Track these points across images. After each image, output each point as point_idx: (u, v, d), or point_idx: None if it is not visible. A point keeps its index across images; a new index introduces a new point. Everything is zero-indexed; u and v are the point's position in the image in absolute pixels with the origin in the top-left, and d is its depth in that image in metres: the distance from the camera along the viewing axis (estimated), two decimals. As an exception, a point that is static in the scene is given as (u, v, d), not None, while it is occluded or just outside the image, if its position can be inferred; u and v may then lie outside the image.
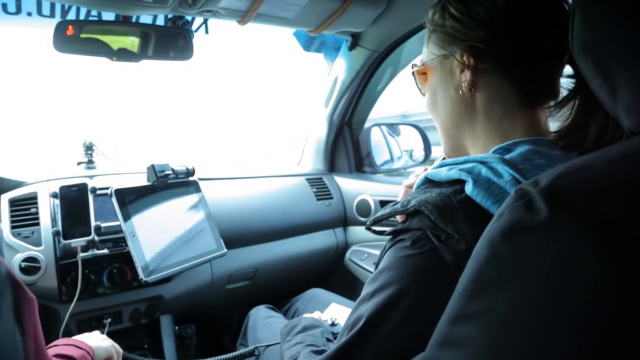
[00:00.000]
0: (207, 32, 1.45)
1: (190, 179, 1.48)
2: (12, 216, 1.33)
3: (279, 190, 1.84)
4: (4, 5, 1.19)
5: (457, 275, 0.43)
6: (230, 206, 1.66)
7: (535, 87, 0.71)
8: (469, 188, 0.60)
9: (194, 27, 1.40)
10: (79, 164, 1.62)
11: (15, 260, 1.25)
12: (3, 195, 1.37)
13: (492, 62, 0.70)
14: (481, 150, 0.72)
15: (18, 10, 1.20)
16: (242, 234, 1.64)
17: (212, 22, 1.40)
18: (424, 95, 0.81)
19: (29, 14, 1.22)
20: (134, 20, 1.27)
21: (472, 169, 0.63)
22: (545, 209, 0.33)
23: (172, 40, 1.30)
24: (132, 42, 1.25)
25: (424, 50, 0.79)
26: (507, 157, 0.65)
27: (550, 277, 0.32)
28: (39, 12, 1.22)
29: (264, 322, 1.44)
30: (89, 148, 1.62)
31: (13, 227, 1.31)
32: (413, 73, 0.81)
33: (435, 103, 0.78)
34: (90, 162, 1.62)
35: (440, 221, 0.59)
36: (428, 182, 0.69)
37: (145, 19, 1.33)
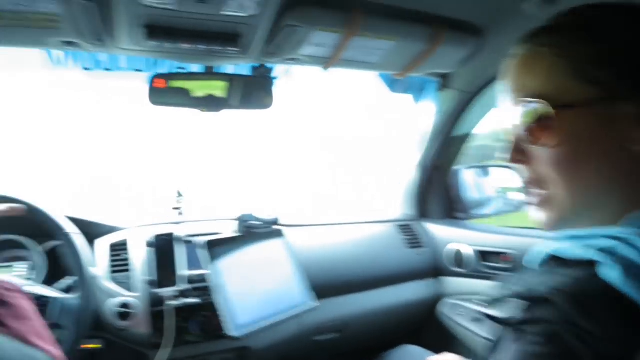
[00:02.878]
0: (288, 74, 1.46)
1: (275, 227, 1.47)
2: (109, 261, 1.39)
3: (367, 237, 1.77)
4: (101, 63, 1.25)
5: None
6: (317, 255, 1.62)
7: None
8: (612, 274, 0.48)
9: (276, 74, 1.41)
10: (168, 210, 1.68)
11: (111, 305, 1.29)
12: (101, 240, 1.44)
13: None
14: (607, 218, 0.56)
15: (113, 67, 1.26)
16: (330, 284, 1.59)
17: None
18: (539, 146, 0.58)
19: (121, 68, 1.27)
20: (217, 70, 1.32)
21: (612, 249, 0.50)
22: None
23: (254, 89, 1.32)
24: (218, 88, 1.29)
25: (545, 81, 0.57)
26: None
27: None
28: (133, 67, 1.28)
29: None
30: (179, 194, 1.67)
31: (109, 272, 1.36)
32: (528, 113, 0.58)
33: (577, 161, 0.56)
34: (179, 208, 1.67)
35: (581, 317, 0.47)
36: (552, 260, 0.58)
37: (229, 69, 1.37)
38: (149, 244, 1.36)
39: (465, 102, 1.57)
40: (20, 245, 1.39)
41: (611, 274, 0.48)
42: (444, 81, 1.54)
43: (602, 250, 0.50)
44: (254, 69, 1.33)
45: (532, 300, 0.52)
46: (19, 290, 0.56)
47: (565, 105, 0.54)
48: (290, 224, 1.65)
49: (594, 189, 0.56)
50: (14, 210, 0.89)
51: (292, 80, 1.43)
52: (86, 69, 1.21)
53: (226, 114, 1.29)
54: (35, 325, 0.58)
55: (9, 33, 0.95)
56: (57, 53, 1.15)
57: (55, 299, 1.15)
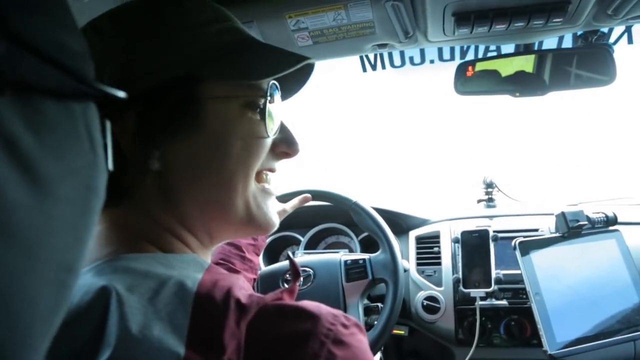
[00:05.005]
0: (630, 41, 1.13)
1: (611, 228, 1.19)
2: (417, 254, 1.40)
3: None
4: (411, 58, 1.26)
5: None
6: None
7: None
8: None
9: (611, 40, 1.11)
10: (478, 201, 1.59)
11: (419, 298, 1.31)
12: (412, 232, 1.46)
13: None
14: None
15: (422, 60, 1.25)
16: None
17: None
18: None
19: (432, 61, 1.26)
20: (536, 47, 1.10)
21: None
22: None
23: (586, 62, 1.06)
24: (535, 65, 1.09)
25: None
26: None
27: None
28: (440, 57, 1.24)
29: None
30: (489, 186, 1.56)
31: (417, 265, 1.38)
32: None
33: None
34: (490, 200, 1.56)
35: None
36: None
37: (549, 43, 1.14)
38: (455, 240, 1.31)
39: None
40: (340, 232, 1.54)
41: None
42: None
43: None
44: (581, 37, 1.07)
45: None
46: (357, 325, 0.48)
47: None
48: (629, 221, 1.32)
49: None
50: (303, 200, 0.94)
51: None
52: (396, 66, 1.21)
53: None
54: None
55: (330, 47, 1.01)
56: (370, 57, 1.19)
57: (369, 258, 1.22)
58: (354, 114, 2.75)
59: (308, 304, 0.43)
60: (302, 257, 1.33)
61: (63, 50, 0.22)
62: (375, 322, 1.15)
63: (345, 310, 1.17)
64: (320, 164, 2.61)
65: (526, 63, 1.10)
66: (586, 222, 1.13)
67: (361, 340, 0.43)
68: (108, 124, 0.27)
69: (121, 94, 0.25)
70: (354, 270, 1.21)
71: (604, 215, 1.17)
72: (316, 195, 1.24)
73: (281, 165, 0.59)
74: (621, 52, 1.11)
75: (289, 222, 1.01)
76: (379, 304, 1.21)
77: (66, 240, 0.23)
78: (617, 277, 1.15)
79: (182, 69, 0.47)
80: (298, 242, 1.56)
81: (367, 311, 1.23)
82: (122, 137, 0.46)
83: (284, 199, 0.95)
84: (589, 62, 1.06)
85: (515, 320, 1.27)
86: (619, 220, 1.20)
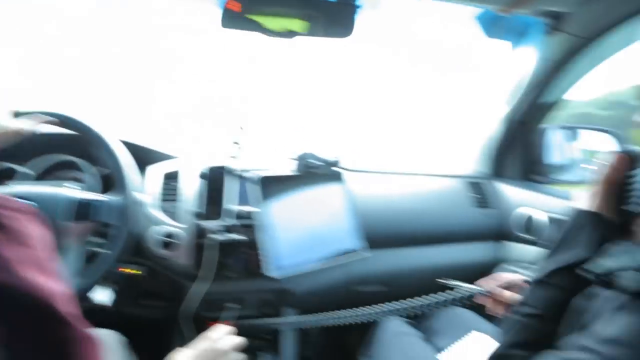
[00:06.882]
0: (375, 6, 1.27)
1: (334, 169, 1.34)
2: (161, 189, 1.33)
3: (433, 191, 1.62)
4: None
5: None
6: (375, 203, 1.50)
7: None
8: None
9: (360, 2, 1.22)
10: (228, 143, 1.58)
11: (156, 234, 1.24)
12: (153, 167, 1.37)
13: None
14: None
15: None
16: (384, 235, 1.48)
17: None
18: None
19: None
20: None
21: None
22: None
23: (333, 16, 1.14)
24: (294, 24, 1.13)
25: None
26: None
27: None
28: None
29: (396, 339, 1.26)
30: (240, 128, 1.57)
31: (161, 200, 1.31)
32: None
33: None
34: (239, 143, 1.57)
35: None
36: None
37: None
38: (201, 175, 1.28)
39: (576, 49, 1.31)
40: (76, 167, 1.32)
41: None
42: (555, 22, 1.28)
43: None
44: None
45: None
46: (24, 210, 0.45)
47: None
48: (352, 168, 1.52)
49: None
50: (49, 122, 0.87)
51: (377, 13, 1.23)
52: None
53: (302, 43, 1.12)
54: (35, 254, 0.48)
55: None
56: None
57: (100, 200, 1.10)
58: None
59: None
60: (21, 188, 1.10)
61: None
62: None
63: (63, 251, 1.03)
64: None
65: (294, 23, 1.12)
66: (316, 161, 1.25)
67: (24, 226, 0.45)
68: None
69: None
70: (82, 211, 1.07)
71: (329, 158, 1.31)
72: (58, 120, 1.07)
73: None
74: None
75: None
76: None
77: None
78: (337, 211, 1.31)
79: None
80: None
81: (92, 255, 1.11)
82: None
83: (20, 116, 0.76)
84: (337, 16, 1.13)
85: (251, 254, 1.30)
86: (345, 166, 1.36)
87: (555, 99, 1.53)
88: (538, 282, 0.65)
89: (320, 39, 1.19)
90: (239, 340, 1.03)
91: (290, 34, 1.14)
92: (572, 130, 1.70)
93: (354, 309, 1.05)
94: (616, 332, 0.43)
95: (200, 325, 1.27)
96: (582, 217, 0.69)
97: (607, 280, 0.48)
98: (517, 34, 1.42)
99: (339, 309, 1.37)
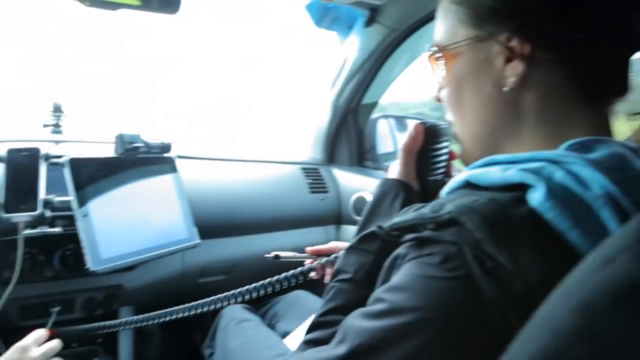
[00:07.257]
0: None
1: (166, 155, 1.28)
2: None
3: (268, 177, 1.64)
4: None
5: (497, 322, 0.38)
6: (209, 191, 1.47)
7: (604, 81, 0.52)
8: (537, 197, 0.43)
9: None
10: (45, 126, 1.42)
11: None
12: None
13: (556, 50, 0.50)
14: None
15: None
16: (220, 223, 1.46)
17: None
18: (441, 87, 0.61)
19: None
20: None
21: (539, 170, 0.44)
22: None
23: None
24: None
25: (442, 27, 0.59)
26: (590, 157, 0.45)
27: None
28: None
29: (237, 326, 1.25)
30: (57, 110, 1.42)
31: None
32: (430, 57, 0.61)
33: (460, 101, 0.58)
34: (57, 125, 1.42)
35: (490, 242, 0.41)
36: (469, 187, 0.51)
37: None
38: (3, 159, 1.11)
39: (392, 41, 1.43)
40: None
41: (536, 196, 0.43)
42: (373, 15, 1.38)
43: (531, 171, 0.44)
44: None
45: (436, 220, 0.46)
46: None
47: (449, 48, 0.57)
48: (184, 155, 1.47)
49: (485, 129, 0.57)
50: None
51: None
52: None
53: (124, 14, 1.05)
54: None
55: None
56: None
57: None
58: None
59: None
60: None
61: None
62: None
63: None
64: None
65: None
66: (142, 145, 1.17)
67: None
68: None
69: None
70: None
71: (160, 142, 1.24)
72: None
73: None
74: None
75: None
76: None
77: None
78: (166, 198, 1.26)
79: None
80: None
81: None
82: None
83: None
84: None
85: (72, 249, 1.16)
86: (175, 151, 1.31)
87: (379, 88, 1.65)
88: (350, 249, 0.69)
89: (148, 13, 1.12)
90: (54, 345, 0.94)
91: (113, 5, 1.05)
92: (400, 120, 1.86)
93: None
94: (398, 280, 0.47)
95: (20, 336, 1.11)
96: (387, 185, 0.75)
97: (394, 235, 0.52)
98: (344, 25, 1.51)
99: (180, 302, 1.32)
